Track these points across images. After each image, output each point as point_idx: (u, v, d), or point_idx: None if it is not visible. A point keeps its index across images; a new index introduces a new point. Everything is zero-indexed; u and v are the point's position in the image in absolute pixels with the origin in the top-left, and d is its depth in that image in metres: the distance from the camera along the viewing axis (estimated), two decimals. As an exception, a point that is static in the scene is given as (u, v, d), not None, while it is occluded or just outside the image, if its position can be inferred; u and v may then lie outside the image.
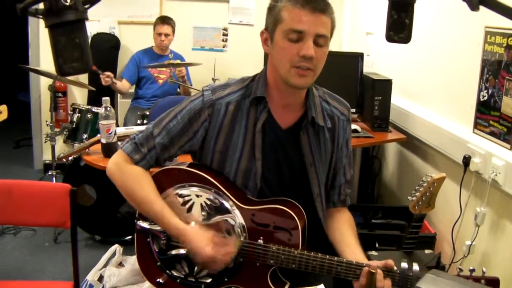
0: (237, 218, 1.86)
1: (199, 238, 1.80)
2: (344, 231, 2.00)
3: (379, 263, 1.76)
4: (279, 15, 1.76)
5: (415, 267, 1.71)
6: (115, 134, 3.00)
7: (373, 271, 1.70)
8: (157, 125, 1.94)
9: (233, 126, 1.90)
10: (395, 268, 1.75)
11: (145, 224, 1.95)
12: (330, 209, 2.09)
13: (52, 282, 3.34)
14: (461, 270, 1.87)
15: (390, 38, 1.39)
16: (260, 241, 1.84)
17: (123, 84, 5.15)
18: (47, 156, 5.49)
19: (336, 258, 1.79)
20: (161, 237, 1.93)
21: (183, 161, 2.05)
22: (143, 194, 1.88)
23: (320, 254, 1.79)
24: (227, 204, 1.87)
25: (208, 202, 1.88)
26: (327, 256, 1.79)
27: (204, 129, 1.91)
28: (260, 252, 1.83)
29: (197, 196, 1.90)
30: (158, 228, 1.91)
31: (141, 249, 2.01)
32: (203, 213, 1.89)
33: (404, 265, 1.72)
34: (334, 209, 2.10)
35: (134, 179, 1.91)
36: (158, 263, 1.97)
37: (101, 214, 3.95)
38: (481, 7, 1.08)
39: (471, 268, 1.83)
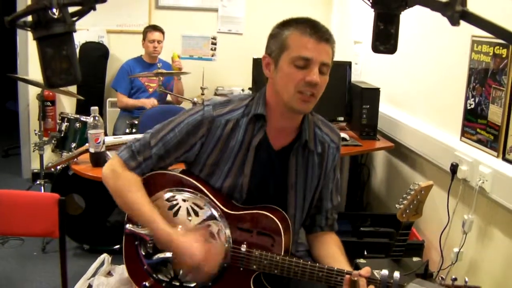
0: (222, 223, 1.89)
1: (190, 242, 1.83)
2: (332, 249, 2.04)
3: (360, 271, 1.77)
4: (285, 42, 1.81)
5: (396, 274, 1.72)
6: (103, 143, 2.99)
7: (355, 278, 1.72)
8: (154, 135, 1.97)
9: (228, 142, 1.93)
10: (376, 275, 1.78)
11: (133, 228, 1.97)
12: (318, 233, 2.12)
13: (40, 292, 3.33)
14: (443, 279, 1.89)
15: (376, 48, 1.40)
16: (244, 246, 1.87)
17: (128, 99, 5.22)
18: (35, 165, 5.46)
19: (317, 264, 1.82)
20: (148, 241, 1.95)
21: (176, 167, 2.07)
22: (135, 198, 1.91)
23: (302, 260, 1.82)
24: (212, 209, 1.91)
25: (194, 207, 1.92)
26: (309, 262, 1.82)
27: (201, 143, 1.93)
28: (243, 257, 1.86)
29: (184, 200, 1.93)
30: (146, 231, 1.94)
31: (128, 252, 2.03)
32: (189, 217, 1.92)
33: (385, 272, 1.73)
34: (321, 232, 2.12)
35: (127, 184, 1.93)
36: (145, 267, 1.99)
37: (89, 223, 3.93)
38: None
39: (453, 277, 1.84)
